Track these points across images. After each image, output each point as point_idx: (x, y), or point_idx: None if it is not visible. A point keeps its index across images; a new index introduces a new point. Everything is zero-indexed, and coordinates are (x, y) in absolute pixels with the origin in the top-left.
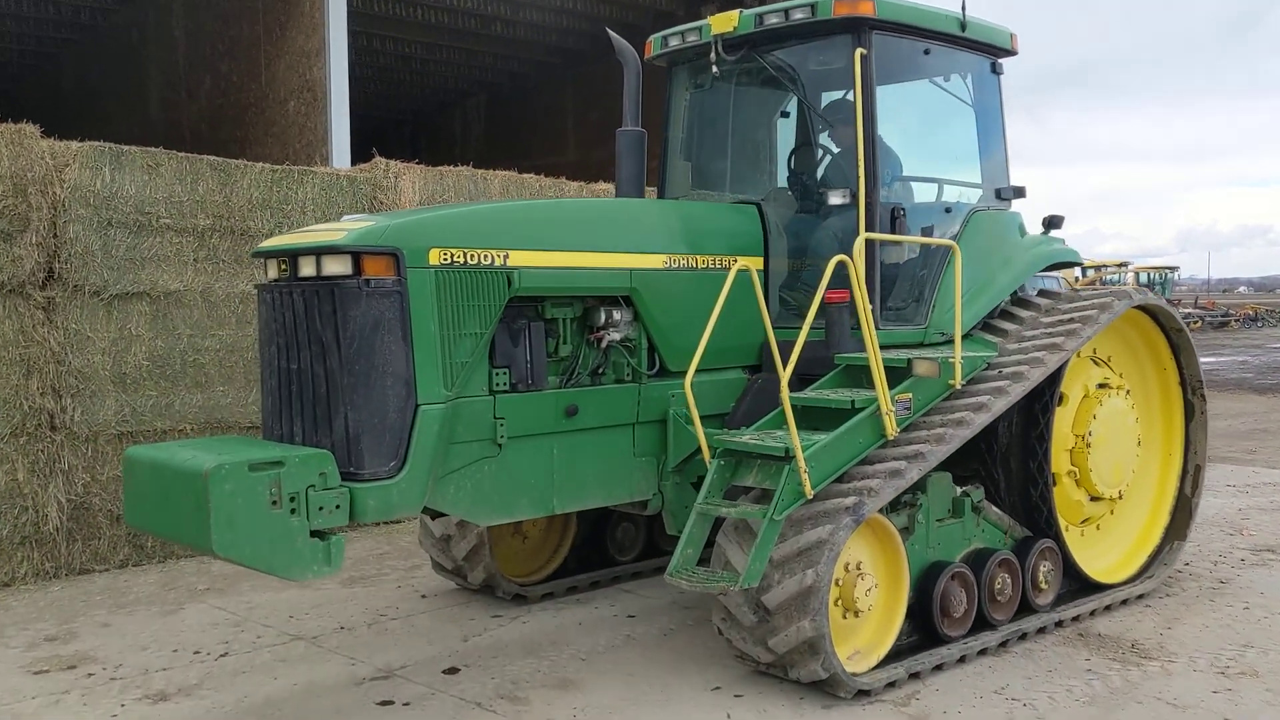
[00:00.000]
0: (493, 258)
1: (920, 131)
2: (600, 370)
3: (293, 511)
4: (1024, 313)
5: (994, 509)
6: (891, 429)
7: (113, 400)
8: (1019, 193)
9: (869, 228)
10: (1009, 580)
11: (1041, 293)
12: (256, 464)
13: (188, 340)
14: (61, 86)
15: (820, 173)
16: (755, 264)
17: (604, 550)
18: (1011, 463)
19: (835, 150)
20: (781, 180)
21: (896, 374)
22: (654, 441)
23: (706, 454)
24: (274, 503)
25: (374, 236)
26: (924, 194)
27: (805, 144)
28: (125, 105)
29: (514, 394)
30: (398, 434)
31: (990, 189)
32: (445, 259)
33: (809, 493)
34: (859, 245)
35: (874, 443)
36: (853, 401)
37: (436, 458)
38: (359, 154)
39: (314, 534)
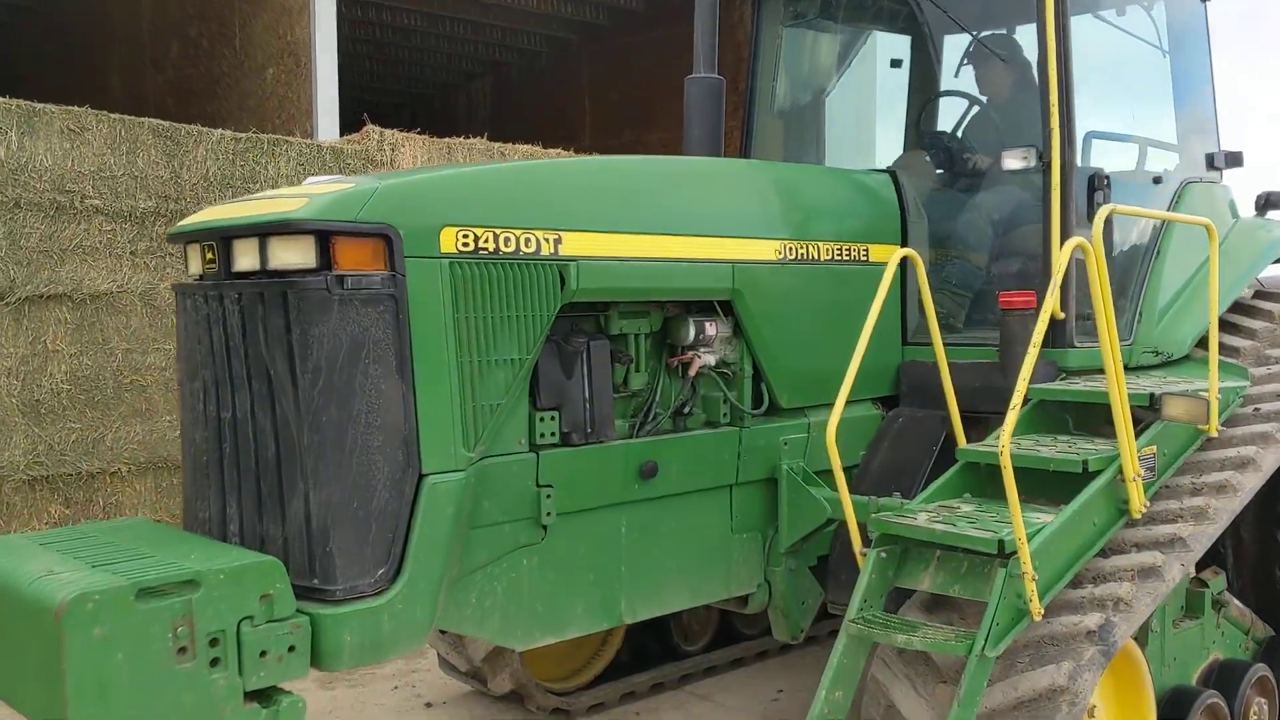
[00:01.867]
0: (538, 242)
1: (1095, 82)
2: (687, 409)
3: (214, 663)
4: (1253, 323)
5: (1234, 602)
6: (1139, 503)
7: (22, 436)
8: (1234, 160)
9: (1064, 201)
10: (1265, 707)
11: (1259, 294)
12: (150, 588)
13: (123, 357)
14: (16, 59)
15: (960, 134)
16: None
17: (666, 638)
18: (1243, 532)
19: (982, 102)
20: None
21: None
22: (759, 510)
23: (857, 541)
24: (181, 650)
25: (351, 206)
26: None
27: (938, 97)
28: (83, 78)
29: (566, 449)
30: (390, 522)
31: (1194, 155)
32: (465, 243)
33: (1037, 612)
34: (1099, 221)
35: (1113, 524)
36: (1085, 462)
37: (451, 556)
38: (349, 130)
39: (251, 697)
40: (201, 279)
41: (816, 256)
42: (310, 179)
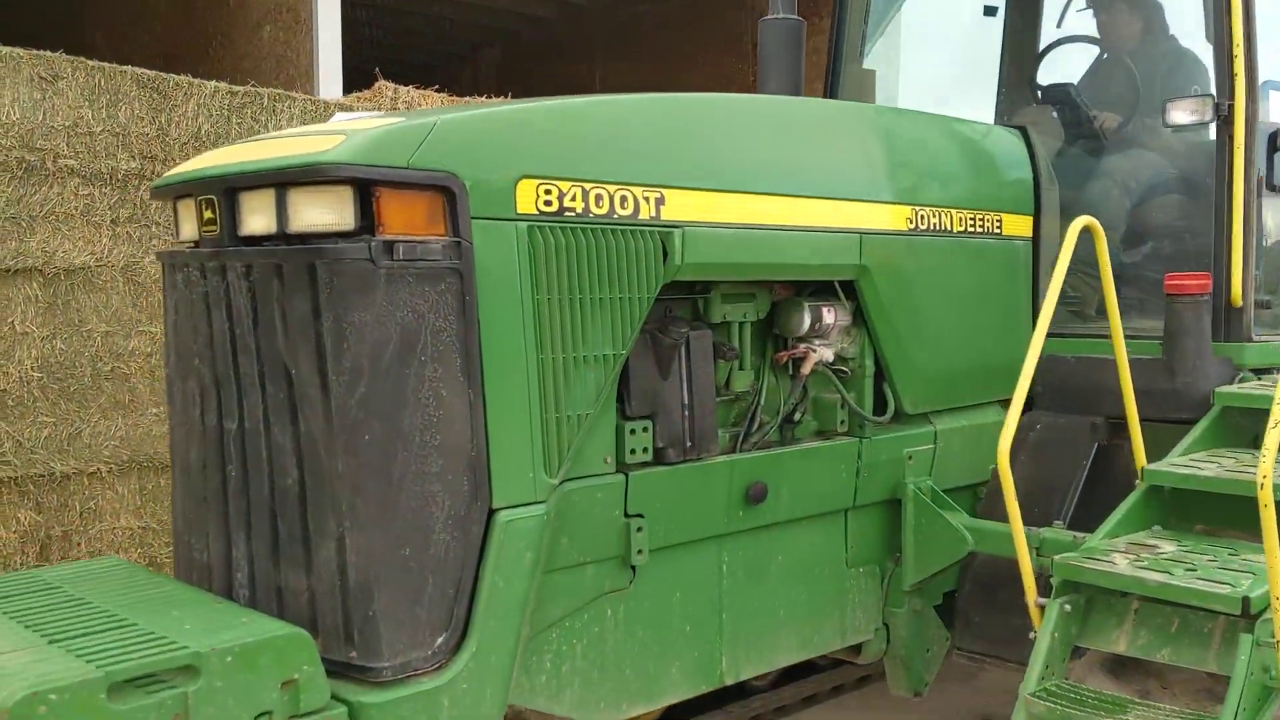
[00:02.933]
0: (636, 201)
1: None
2: (797, 415)
3: None
4: None
5: None
6: None
7: None
8: None
9: (1248, 160)
10: None
11: None
12: (129, 679)
13: (102, 340)
14: None
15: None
16: (1027, 225)
17: None
18: None
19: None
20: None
21: None
22: (877, 539)
23: (1032, 590)
24: None
25: (402, 147)
26: None
27: (1059, 44)
28: (63, 39)
29: (661, 469)
30: (451, 574)
31: None
32: (548, 201)
33: None
34: None
35: None
36: None
37: (525, 613)
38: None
39: None
40: (197, 245)
41: (949, 227)
42: (340, 115)
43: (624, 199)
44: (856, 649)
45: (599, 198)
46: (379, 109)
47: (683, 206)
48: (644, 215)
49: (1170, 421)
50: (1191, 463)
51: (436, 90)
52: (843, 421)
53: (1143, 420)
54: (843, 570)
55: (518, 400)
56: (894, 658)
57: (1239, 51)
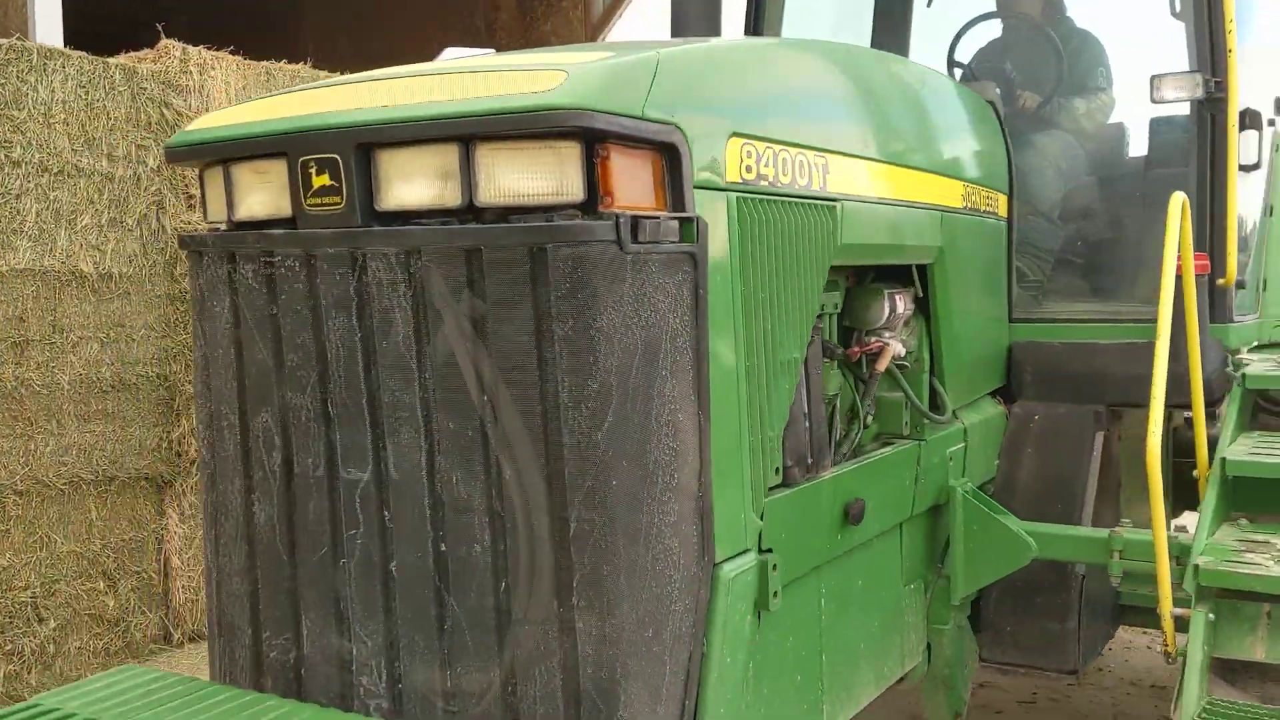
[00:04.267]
0: (810, 168)
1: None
2: (869, 419)
3: None
4: None
5: None
6: None
7: None
8: None
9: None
10: None
11: None
12: None
13: None
14: None
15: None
16: (1005, 204)
17: None
18: None
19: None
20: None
21: None
22: (924, 550)
23: (1168, 600)
24: None
25: (633, 89)
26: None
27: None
28: None
29: (787, 491)
30: (684, 653)
31: None
32: (749, 166)
33: None
34: None
35: None
36: None
37: (745, 698)
38: (84, 38)
39: None
40: (288, 224)
41: (980, 206)
42: (450, 51)
43: (802, 165)
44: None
45: (785, 163)
46: (165, 72)
47: (842, 177)
48: (815, 185)
49: (1174, 406)
50: (1264, 451)
51: (232, 51)
52: (906, 423)
53: (1140, 405)
54: (899, 590)
55: (732, 422)
56: (935, 679)
57: (1232, 27)
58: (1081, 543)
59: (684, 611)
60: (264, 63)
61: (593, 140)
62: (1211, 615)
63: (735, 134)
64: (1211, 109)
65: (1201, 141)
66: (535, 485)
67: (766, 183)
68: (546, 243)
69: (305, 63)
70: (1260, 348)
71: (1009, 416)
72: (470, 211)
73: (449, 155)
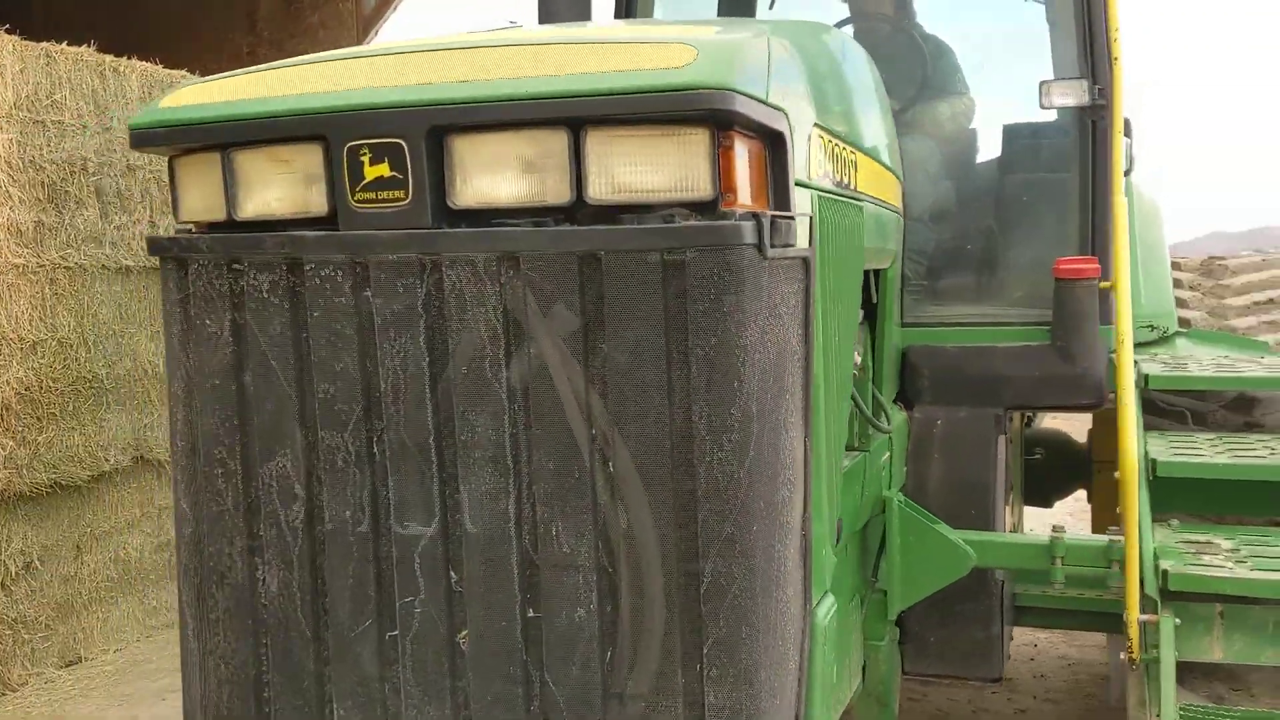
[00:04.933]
0: (849, 166)
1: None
2: None
3: None
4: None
5: None
6: None
7: None
8: None
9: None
10: None
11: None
12: None
13: None
14: None
15: None
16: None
17: None
18: None
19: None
20: None
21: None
22: (858, 565)
23: (1135, 604)
24: None
25: (757, 71)
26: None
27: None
28: None
29: None
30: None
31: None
32: (820, 161)
33: None
34: None
35: None
36: None
37: None
38: None
39: None
40: (323, 223)
41: (898, 205)
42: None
43: (845, 162)
44: None
45: (839, 159)
46: None
47: (863, 175)
48: (852, 185)
49: (1068, 408)
50: (1191, 452)
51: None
52: (855, 434)
53: (1042, 409)
54: (845, 606)
55: (819, 446)
56: (870, 697)
57: (1117, 35)
58: (1022, 550)
59: (794, 670)
60: (44, 44)
61: (719, 128)
62: (1178, 620)
63: (816, 125)
64: (1094, 115)
65: (1084, 148)
66: (659, 535)
67: (829, 180)
68: (685, 247)
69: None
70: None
71: (910, 422)
72: (574, 210)
73: (553, 142)
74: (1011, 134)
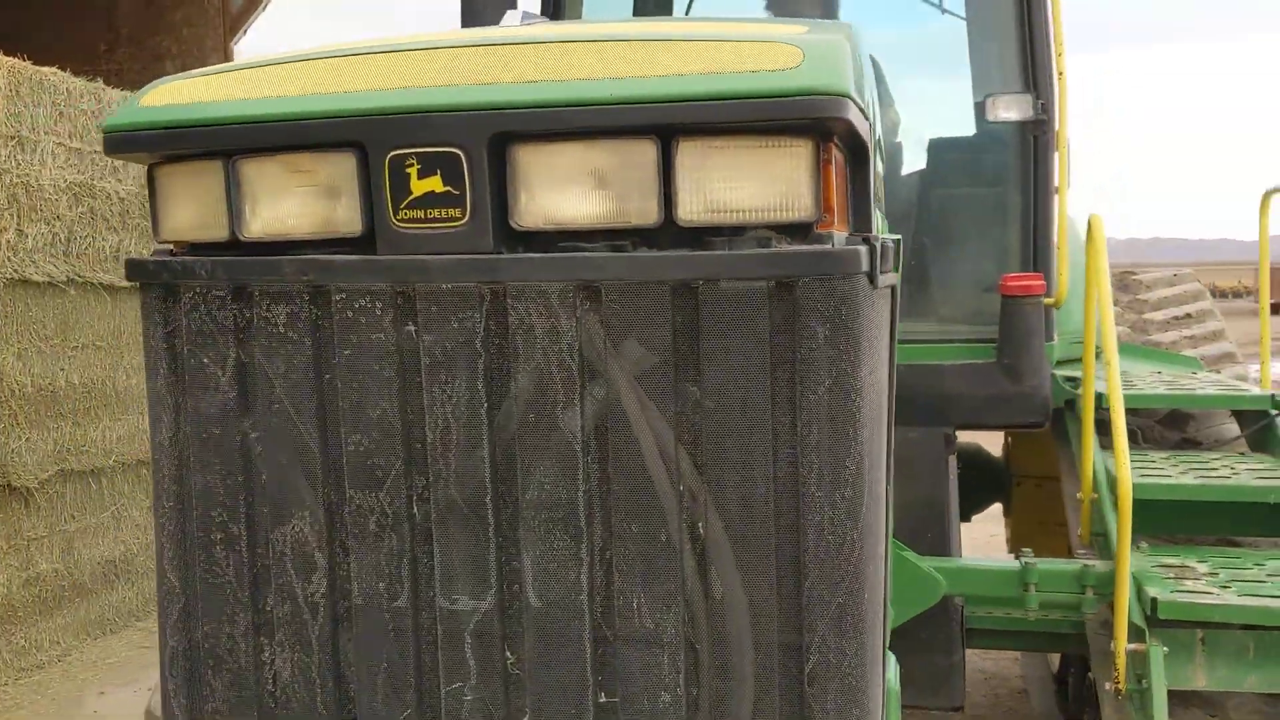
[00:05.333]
0: (879, 178)
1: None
2: None
3: None
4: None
5: None
6: None
7: None
8: None
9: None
10: None
11: None
12: None
13: None
14: None
15: None
16: None
17: None
18: None
19: None
20: None
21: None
22: None
23: (1124, 635)
24: None
25: (854, 73)
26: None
27: None
28: None
29: None
30: None
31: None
32: (879, 180)
33: None
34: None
35: None
36: None
37: None
38: None
39: None
40: (356, 245)
41: None
42: (517, 15)
43: (876, 175)
44: None
45: (877, 172)
46: None
47: (878, 189)
48: (882, 200)
49: (1015, 427)
50: (1156, 473)
51: None
52: None
53: (990, 428)
54: None
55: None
56: None
57: (1062, 50)
58: (993, 576)
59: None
60: None
61: (821, 139)
62: (1165, 648)
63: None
64: (1036, 131)
65: (1025, 163)
66: (756, 606)
67: (877, 196)
68: (797, 276)
69: None
70: (1061, 364)
71: None
72: (659, 233)
73: (638, 154)
74: (938, 148)
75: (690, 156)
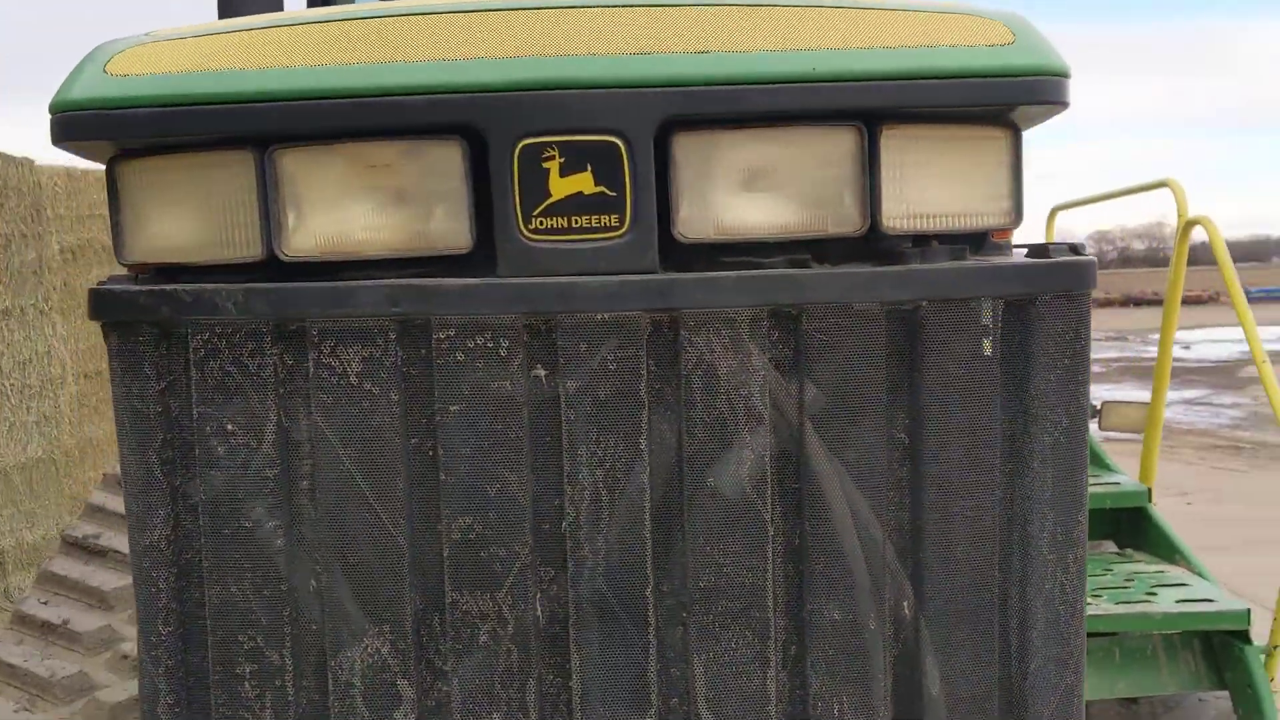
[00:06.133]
0: None
1: None
2: None
3: None
4: None
5: None
6: None
7: None
8: None
9: None
10: None
11: None
12: None
13: None
14: None
15: None
16: None
17: None
18: None
19: None
20: None
21: None
22: None
23: None
24: None
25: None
26: None
27: None
28: None
29: None
30: None
31: None
32: None
33: None
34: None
35: None
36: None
37: None
38: None
39: None
40: (464, 264)
41: None
42: None
43: None
44: None
45: None
46: None
47: None
48: None
49: None
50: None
51: None
52: None
53: None
54: None
55: None
56: None
57: None
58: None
59: None
60: None
61: (1014, 130)
62: None
63: None
64: None
65: None
66: (979, 700)
67: None
68: (1034, 294)
69: None
70: None
71: None
72: (861, 243)
73: (835, 145)
74: None
75: (897, 149)
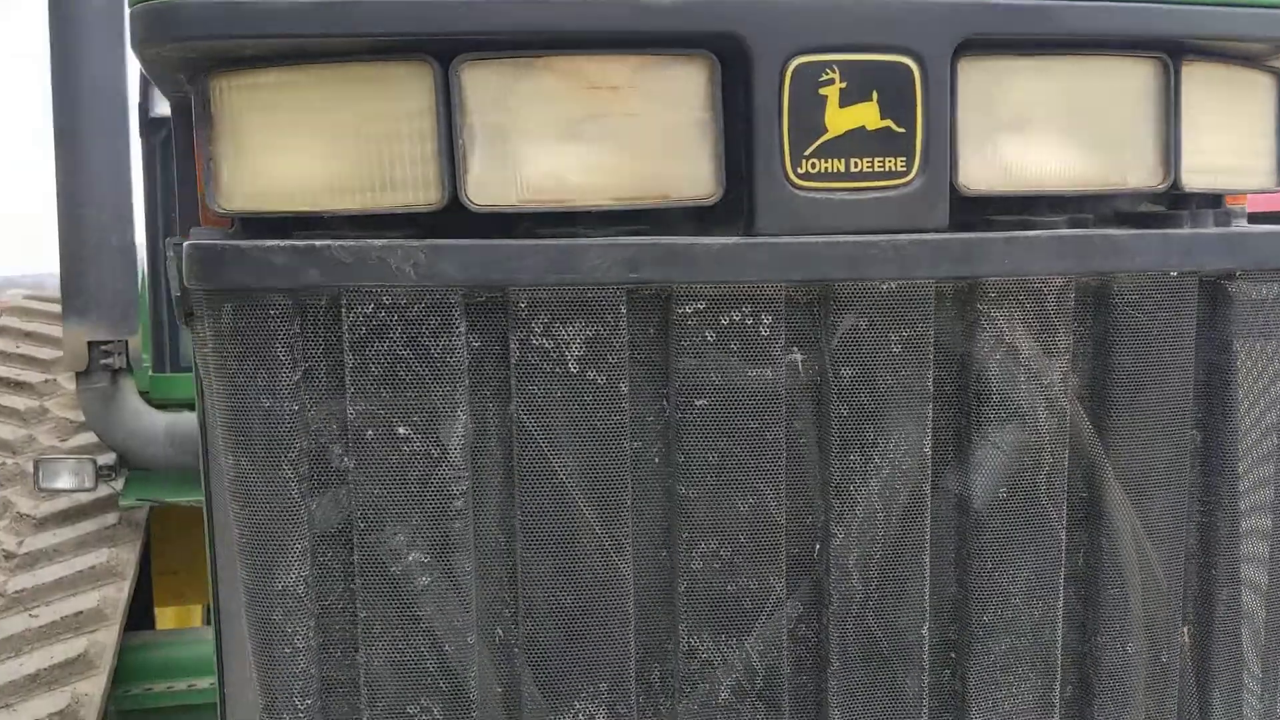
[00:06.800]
0: None
1: None
2: None
3: None
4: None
5: None
6: None
7: None
8: None
9: None
10: None
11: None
12: None
13: None
14: None
15: None
16: None
17: None
18: None
19: None
20: None
21: None
22: None
23: None
24: None
25: None
26: None
27: None
28: None
29: None
30: None
31: None
32: None
33: None
34: None
35: None
36: None
37: None
38: None
39: None
40: (709, 219)
41: None
42: None
43: None
44: None
45: None
46: None
47: None
48: None
49: None
50: None
51: None
52: None
53: None
54: None
55: None
56: None
57: None
58: None
59: None
60: None
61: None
62: None
63: None
64: None
65: None
66: None
67: None
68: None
69: None
70: None
71: None
72: (1158, 201)
73: (1130, 80)
74: None
75: (1198, 89)
